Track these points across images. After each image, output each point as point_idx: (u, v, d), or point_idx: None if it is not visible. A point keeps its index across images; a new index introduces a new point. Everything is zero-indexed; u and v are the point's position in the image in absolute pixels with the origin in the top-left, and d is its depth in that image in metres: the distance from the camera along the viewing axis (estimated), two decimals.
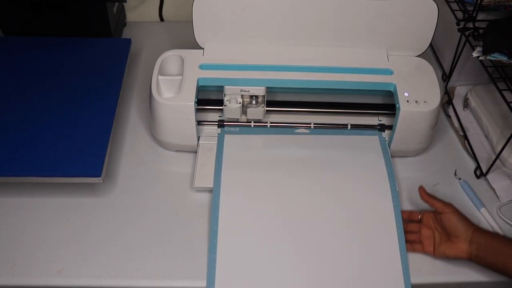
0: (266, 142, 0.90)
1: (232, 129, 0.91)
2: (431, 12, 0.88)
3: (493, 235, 0.77)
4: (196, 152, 0.90)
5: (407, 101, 0.86)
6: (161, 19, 1.24)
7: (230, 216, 0.79)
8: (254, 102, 0.90)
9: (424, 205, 0.82)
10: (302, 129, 0.91)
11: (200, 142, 0.90)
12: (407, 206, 0.86)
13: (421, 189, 0.81)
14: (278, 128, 0.92)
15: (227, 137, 0.89)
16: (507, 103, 0.81)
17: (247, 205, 0.81)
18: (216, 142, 0.90)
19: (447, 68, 1.06)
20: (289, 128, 0.92)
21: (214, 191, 0.82)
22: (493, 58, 0.85)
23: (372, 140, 0.90)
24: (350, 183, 0.85)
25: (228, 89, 0.88)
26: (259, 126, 0.92)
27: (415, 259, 0.79)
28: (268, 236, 0.78)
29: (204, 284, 0.75)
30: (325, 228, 0.79)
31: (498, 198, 0.87)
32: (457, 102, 1.01)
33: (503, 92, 0.83)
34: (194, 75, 0.88)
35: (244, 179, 0.84)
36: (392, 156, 0.90)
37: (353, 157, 0.88)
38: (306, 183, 0.84)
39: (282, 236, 0.78)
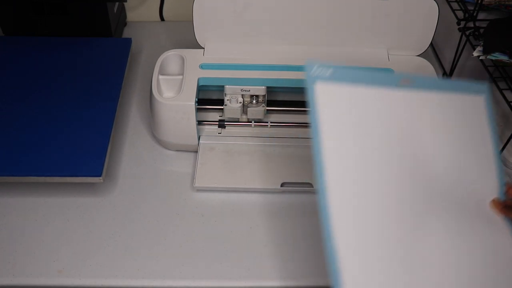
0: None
1: (322, 70, 0.61)
2: (431, 12, 0.88)
3: None
4: (197, 152, 0.90)
5: None
6: (162, 18, 1.24)
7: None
8: (254, 101, 0.90)
9: None
10: (404, 80, 0.69)
11: (200, 141, 0.90)
12: None
13: (494, 202, 0.69)
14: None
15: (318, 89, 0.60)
16: (508, 102, 0.81)
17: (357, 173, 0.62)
18: (216, 142, 0.90)
19: (447, 68, 1.06)
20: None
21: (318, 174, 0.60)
22: (493, 58, 0.85)
23: (478, 100, 0.75)
24: (453, 147, 0.71)
25: (228, 88, 0.88)
26: None
27: None
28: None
29: (203, 284, 0.75)
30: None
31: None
32: None
33: (504, 91, 0.83)
34: (194, 75, 0.88)
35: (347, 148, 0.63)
36: None
37: (456, 118, 0.73)
38: (408, 148, 0.68)
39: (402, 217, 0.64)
